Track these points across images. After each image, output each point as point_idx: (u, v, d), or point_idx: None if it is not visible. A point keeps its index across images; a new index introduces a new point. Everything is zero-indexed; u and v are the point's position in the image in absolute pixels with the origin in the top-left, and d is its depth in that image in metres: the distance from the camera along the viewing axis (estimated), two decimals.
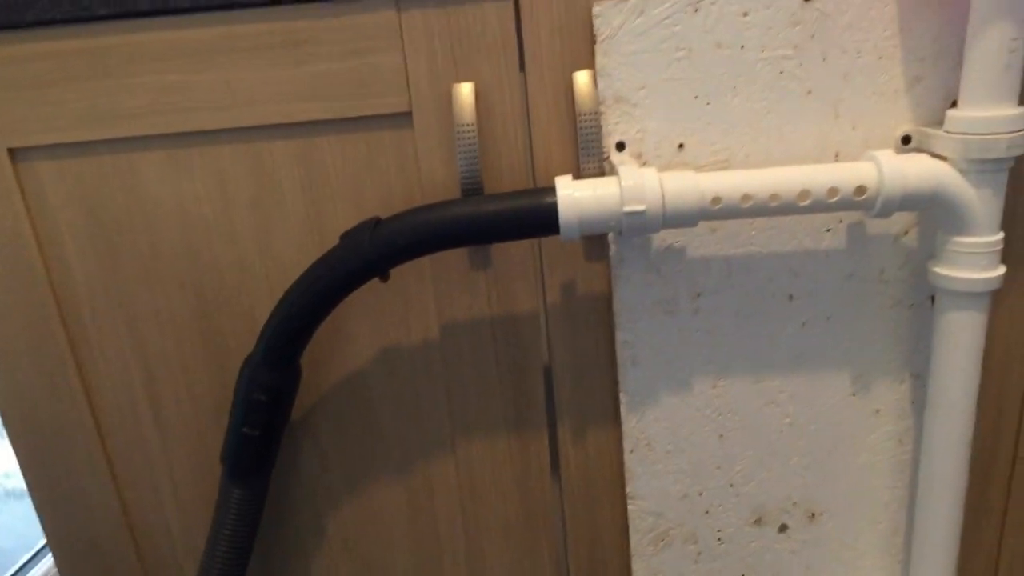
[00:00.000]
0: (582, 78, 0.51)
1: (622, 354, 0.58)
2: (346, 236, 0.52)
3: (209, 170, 0.55)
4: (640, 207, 0.48)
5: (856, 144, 0.53)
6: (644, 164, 0.54)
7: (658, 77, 0.52)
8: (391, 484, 0.63)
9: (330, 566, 0.65)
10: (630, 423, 0.60)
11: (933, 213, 0.54)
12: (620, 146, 0.53)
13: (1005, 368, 0.59)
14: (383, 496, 0.63)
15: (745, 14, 0.51)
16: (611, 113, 0.53)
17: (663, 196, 0.48)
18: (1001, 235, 0.50)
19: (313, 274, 0.52)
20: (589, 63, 0.52)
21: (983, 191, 0.49)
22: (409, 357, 0.60)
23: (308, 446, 0.62)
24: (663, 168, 0.54)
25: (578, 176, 0.53)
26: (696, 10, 0.51)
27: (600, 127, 0.53)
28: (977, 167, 0.48)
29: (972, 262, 0.50)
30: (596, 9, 0.50)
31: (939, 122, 0.51)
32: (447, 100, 0.53)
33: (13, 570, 1.23)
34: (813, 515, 0.63)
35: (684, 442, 0.61)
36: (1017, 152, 0.48)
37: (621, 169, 0.49)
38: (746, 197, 0.48)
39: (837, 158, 0.54)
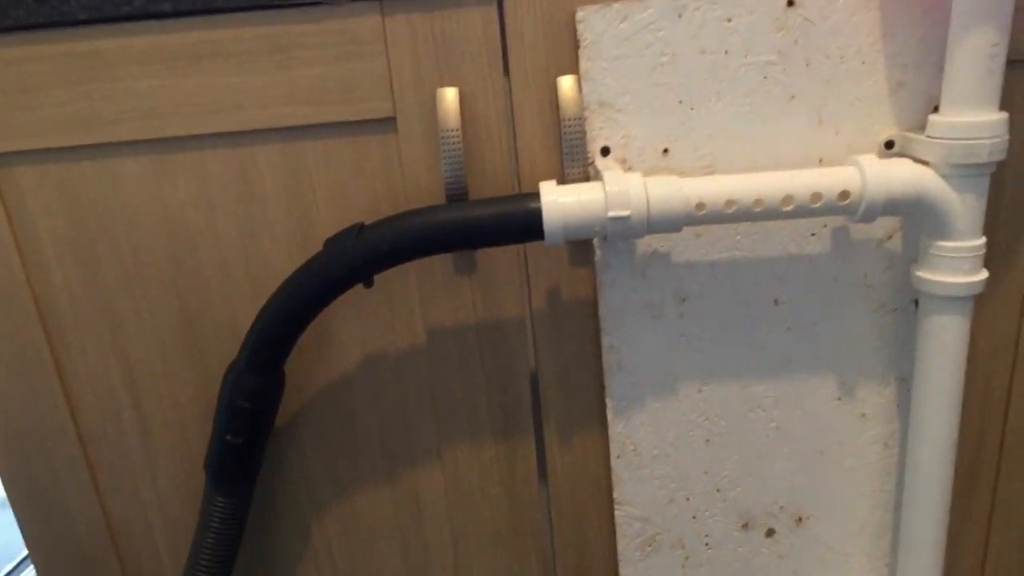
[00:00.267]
0: (566, 83, 0.51)
1: (608, 359, 0.58)
2: (330, 242, 0.52)
3: (192, 176, 0.55)
4: (625, 212, 0.48)
5: (840, 149, 0.54)
6: (629, 169, 0.54)
7: (642, 82, 0.52)
8: (377, 492, 0.63)
9: (315, 575, 0.65)
10: (616, 428, 0.60)
11: (916, 218, 0.54)
12: (605, 151, 0.53)
13: (989, 371, 0.60)
14: (369, 504, 0.63)
15: (729, 20, 0.51)
16: (595, 118, 0.53)
17: (648, 201, 0.48)
18: (983, 240, 0.50)
19: (297, 280, 0.52)
20: (573, 68, 0.52)
21: (965, 196, 0.49)
22: (394, 363, 0.59)
23: (293, 453, 0.62)
24: (648, 173, 0.54)
25: (563, 181, 0.53)
26: (680, 16, 0.51)
27: (584, 132, 0.53)
28: (959, 172, 0.48)
29: (955, 266, 0.50)
30: (580, 14, 0.50)
31: (922, 127, 0.51)
32: (432, 105, 0.53)
33: None
34: (800, 519, 0.63)
35: (670, 447, 0.61)
36: (998, 157, 0.48)
37: (606, 174, 0.49)
38: (730, 202, 0.48)
39: (821, 163, 0.54)
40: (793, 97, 0.53)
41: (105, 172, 0.55)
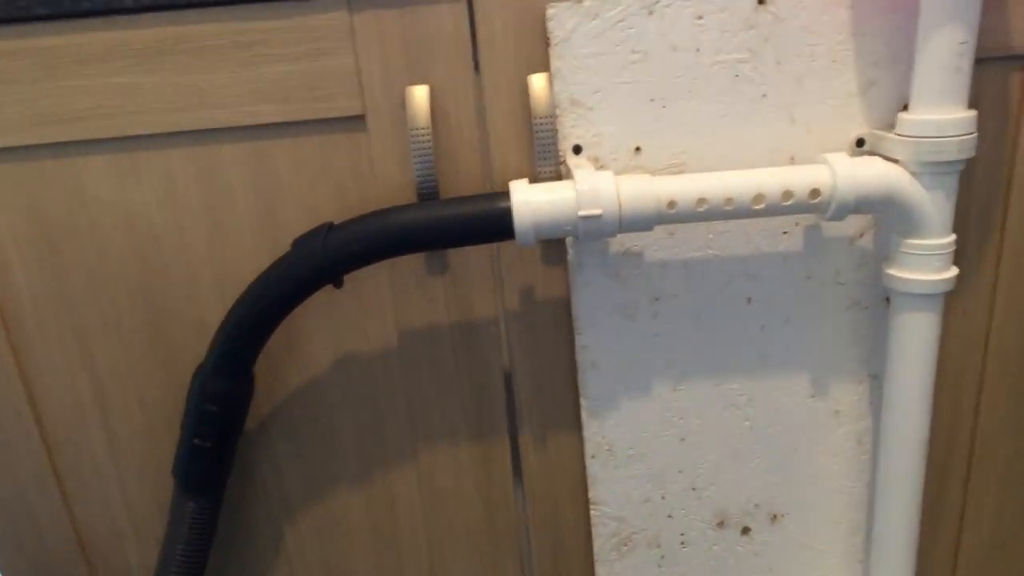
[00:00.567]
0: (538, 81, 0.51)
1: (582, 359, 0.58)
2: (299, 242, 0.51)
3: (157, 175, 0.54)
4: (596, 211, 0.47)
5: (811, 147, 0.54)
6: (601, 167, 0.54)
7: (613, 80, 0.52)
8: (351, 494, 0.62)
9: None
10: (591, 428, 0.60)
11: (887, 216, 0.54)
12: (577, 149, 0.53)
13: (960, 368, 0.60)
14: (343, 506, 0.62)
15: (700, 17, 0.51)
16: (567, 116, 0.52)
17: (619, 200, 0.48)
18: (953, 237, 0.50)
19: (265, 281, 0.51)
20: (545, 66, 0.51)
21: (935, 193, 0.49)
22: (367, 364, 0.59)
23: (263, 457, 0.61)
24: (620, 171, 0.54)
25: (535, 180, 0.52)
26: (651, 13, 0.50)
27: (556, 130, 0.52)
28: (929, 170, 0.49)
29: (925, 264, 0.50)
30: (550, 11, 0.50)
31: (893, 125, 0.51)
32: (401, 103, 0.52)
33: None
34: (775, 517, 0.63)
35: (645, 446, 0.60)
36: (967, 155, 0.48)
37: (577, 173, 0.49)
38: (701, 200, 0.48)
39: (792, 161, 0.54)
40: (764, 95, 0.52)
41: (68, 171, 0.53)
